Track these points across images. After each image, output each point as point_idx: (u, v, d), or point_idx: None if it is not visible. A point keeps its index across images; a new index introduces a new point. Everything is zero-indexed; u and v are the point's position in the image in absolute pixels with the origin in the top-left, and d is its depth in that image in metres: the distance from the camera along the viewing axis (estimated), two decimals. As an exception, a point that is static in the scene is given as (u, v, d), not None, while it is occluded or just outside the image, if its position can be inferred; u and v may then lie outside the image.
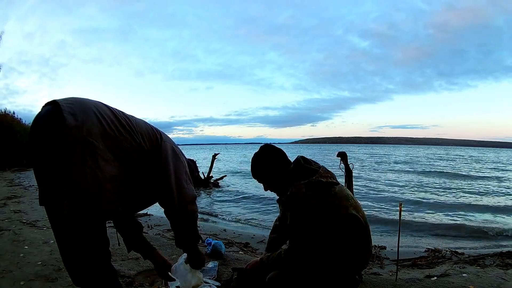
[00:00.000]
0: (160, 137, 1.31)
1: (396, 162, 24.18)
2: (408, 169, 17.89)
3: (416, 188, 10.12)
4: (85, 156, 0.98)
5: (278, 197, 1.71)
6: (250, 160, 1.61)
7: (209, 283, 1.70)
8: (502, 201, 7.75)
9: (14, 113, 13.76)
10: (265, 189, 1.61)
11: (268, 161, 1.56)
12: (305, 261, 1.44)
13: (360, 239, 1.45)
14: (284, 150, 1.61)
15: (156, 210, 4.02)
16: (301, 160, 1.55)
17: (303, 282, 1.43)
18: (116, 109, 1.20)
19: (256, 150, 1.63)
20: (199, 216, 5.66)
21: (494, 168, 18.69)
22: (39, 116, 1.03)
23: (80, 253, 1.08)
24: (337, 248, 1.42)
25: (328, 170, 1.53)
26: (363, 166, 19.99)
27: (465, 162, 25.22)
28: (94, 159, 0.99)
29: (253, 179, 1.64)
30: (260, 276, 1.52)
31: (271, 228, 1.83)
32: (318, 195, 1.39)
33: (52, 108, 1.01)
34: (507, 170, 17.28)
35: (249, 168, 1.63)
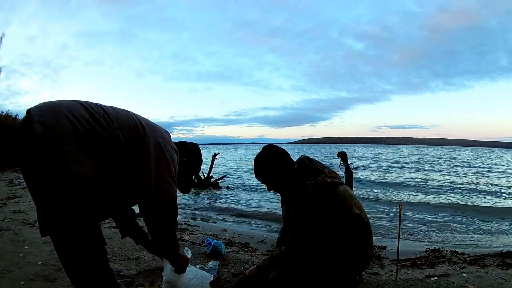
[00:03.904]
0: (143, 131, 1.24)
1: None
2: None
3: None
4: (56, 163, 0.98)
5: (280, 197, 1.70)
6: (253, 160, 1.59)
7: (201, 271, 1.70)
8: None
9: (17, 115, 13.74)
10: (269, 190, 1.60)
11: (272, 162, 1.55)
12: (305, 260, 1.44)
13: (362, 239, 1.45)
14: None
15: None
16: (306, 160, 1.55)
17: (303, 282, 1.43)
18: (95, 104, 1.17)
19: (258, 150, 1.62)
20: (200, 216, 5.69)
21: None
22: (15, 129, 1.04)
23: (74, 255, 1.10)
24: (339, 248, 1.42)
25: (332, 170, 1.54)
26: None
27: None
28: (65, 164, 0.99)
29: (256, 180, 1.63)
30: (259, 281, 1.51)
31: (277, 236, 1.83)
32: (324, 196, 1.40)
33: (24, 118, 1.03)
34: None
35: (250, 168, 1.64)
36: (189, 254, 1.72)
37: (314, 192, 1.39)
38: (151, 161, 1.20)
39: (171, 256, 1.40)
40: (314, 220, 1.39)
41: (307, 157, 1.57)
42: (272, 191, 1.61)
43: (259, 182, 1.63)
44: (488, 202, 7.56)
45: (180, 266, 1.47)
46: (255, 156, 1.61)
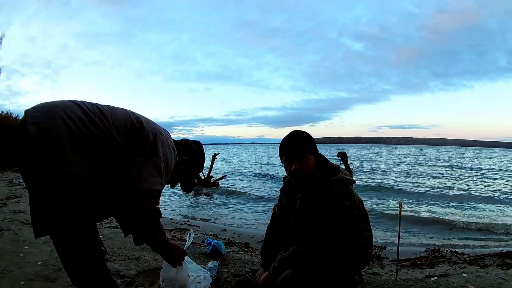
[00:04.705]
0: (141, 126, 1.23)
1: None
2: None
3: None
4: (52, 164, 0.98)
5: (283, 198, 1.69)
6: (293, 133, 1.50)
7: (203, 272, 1.68)
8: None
9: (17, 115, 13.75)
10: (295, 168, 1.44)
11: (313, 139, 1.52)
12: (320, 259, 1.43)
13: (366, 238, 1.47)
14: None
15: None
16: (323, 156, 1.55)
17: (316, 281, 1.42)
18: (91, 104, 1.16)
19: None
20: (200, 216, 5.68)
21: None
22: (15, 129, 1.04)
23: (74, 254, 1.11)
24: (345, 246, 1.43)
25: (344, 168, 1.55)
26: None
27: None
28: (61, 165, 0.99)
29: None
30: (269, 284, 1.49)
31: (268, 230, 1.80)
32: (347, 192, 1.41)
33: (21, 119, 1.03)
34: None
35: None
36: (191, 238, 1.67)
37: (340, 189, 1.39)
38: (143, 151, 1.19)
39: (153, 247, 1.29)
40: (336, 216, 1.38)
41: (322, 154, 1.57)
42: (296, 174, 1.45)
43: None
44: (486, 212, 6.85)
45: (171, 258, 1.38)
46: (291, 131, 1.52)
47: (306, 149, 1.45)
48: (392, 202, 7.71)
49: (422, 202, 7.94)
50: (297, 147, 1.45)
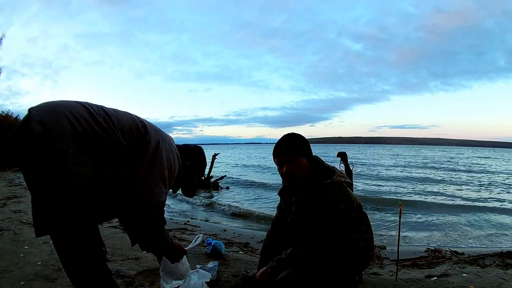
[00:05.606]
0: (145, 130, 1.24)
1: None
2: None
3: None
4: (54, 163, 0.98)
5: (281, 200, 1.69)
6: (287, 135, 1.51)
7: (198, 271, 1.69)
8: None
9: (18, 115, 13.76)
10: (287, 170, 1.45)
11: (306, 141, 1.51)
12: (317, 261, 1.43)
13: (366, 239, 1.47)
14: None
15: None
16: (318, 159, 1.55)
17: (314, 282, 1.42)
18: (96, 106, 1.17)
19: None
20: (200, 216, 5.68)
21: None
22: (15, 129, 1.05)
23: (74, 255, 1.11)
24: (344, 248, 1.43)
25: (341, 170, 1.55)
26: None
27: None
28: (63, 165, 0.99)
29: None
30: (267, 283, 1.49)
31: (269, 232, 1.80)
32: (343, 195, 1.41)
33: (24, 117, 1.03)
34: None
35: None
36: (197, 241, 1.70)
37: (333, 192, 1.39)
38: (145, 158, 1.19)
39: (157, 250, 1.38)
40: (338, 217, 1.38)
41: (318, 157, 1.56)
42: (287, 176, 1.47)
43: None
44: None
45: (171, 256, 1.44)
46: (284, 134, 1.52)
47: (297, 152, 1.46)
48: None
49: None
50: (288, 149, 1.46)
